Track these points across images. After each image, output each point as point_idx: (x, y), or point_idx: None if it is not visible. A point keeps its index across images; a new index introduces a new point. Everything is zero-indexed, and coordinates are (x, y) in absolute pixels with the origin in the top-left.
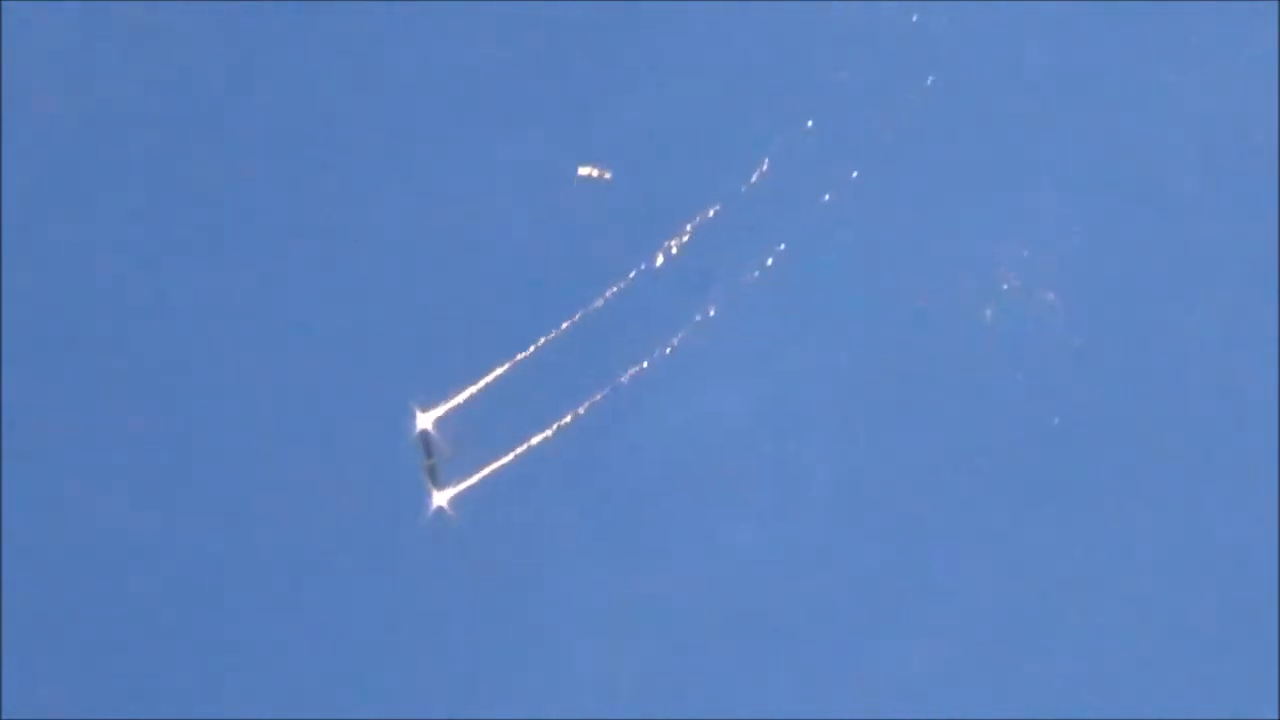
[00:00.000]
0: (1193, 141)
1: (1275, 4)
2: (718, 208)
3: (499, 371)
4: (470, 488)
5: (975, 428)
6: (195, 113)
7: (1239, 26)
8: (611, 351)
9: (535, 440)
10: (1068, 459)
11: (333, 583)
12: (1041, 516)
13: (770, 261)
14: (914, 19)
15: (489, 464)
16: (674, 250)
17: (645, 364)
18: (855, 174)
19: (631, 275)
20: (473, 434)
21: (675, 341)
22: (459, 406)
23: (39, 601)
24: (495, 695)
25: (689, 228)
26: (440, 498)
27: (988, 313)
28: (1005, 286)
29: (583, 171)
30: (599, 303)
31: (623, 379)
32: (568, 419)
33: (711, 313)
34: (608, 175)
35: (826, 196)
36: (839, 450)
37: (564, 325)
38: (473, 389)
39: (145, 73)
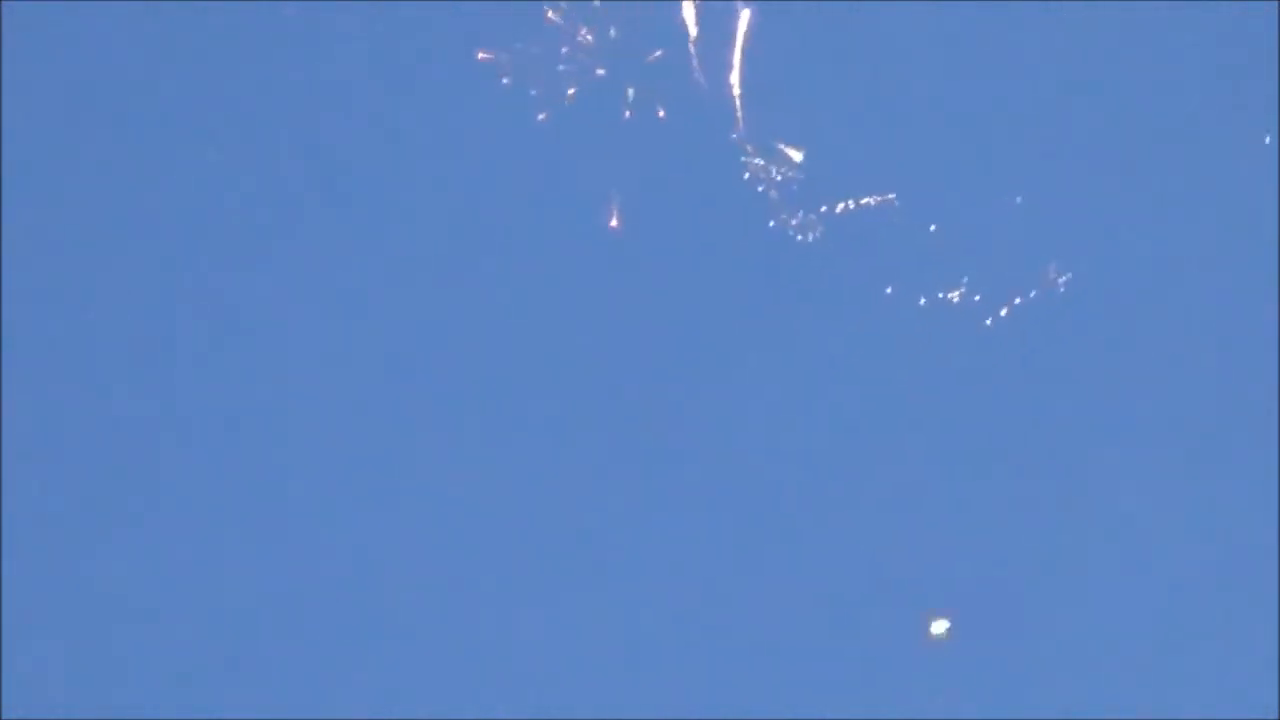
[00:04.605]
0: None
1: (1275, 4)
2: None
3: None
4: None
5: (971, 424)
6: (195, 112)
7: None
8: None
9: None
10: (1062, 454)
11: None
12: (1038, 513)
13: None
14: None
15: None
16: None
17: None
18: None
19: None
20: None
21: None
22: None
23: (39, 601)
24: None
25: None
26: None
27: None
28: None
29: None
30: None
31: None
32: None
33: None
34: None
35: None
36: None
37: None
38: None
39: (145, 73)
